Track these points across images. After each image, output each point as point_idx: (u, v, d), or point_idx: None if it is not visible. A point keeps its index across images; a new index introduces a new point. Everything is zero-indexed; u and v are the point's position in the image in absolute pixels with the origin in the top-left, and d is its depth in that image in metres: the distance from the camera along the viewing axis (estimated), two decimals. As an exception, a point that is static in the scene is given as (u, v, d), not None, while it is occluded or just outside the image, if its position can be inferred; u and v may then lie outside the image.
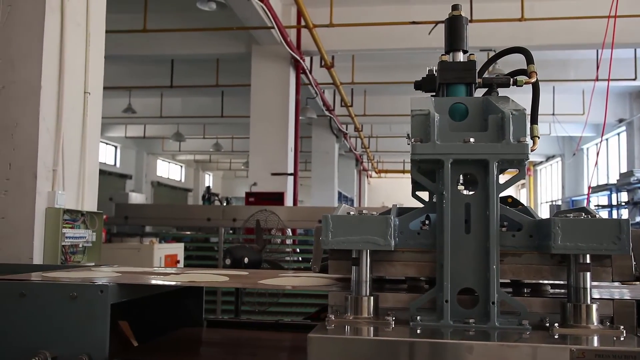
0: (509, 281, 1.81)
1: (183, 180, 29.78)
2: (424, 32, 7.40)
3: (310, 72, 11.09)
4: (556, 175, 23.92)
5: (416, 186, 1.84)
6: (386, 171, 28.81)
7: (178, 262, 5.73)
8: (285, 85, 10.11)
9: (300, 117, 10.80)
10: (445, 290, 1.52)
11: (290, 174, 10.04)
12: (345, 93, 13.28)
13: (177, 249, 5.88)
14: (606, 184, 15.66)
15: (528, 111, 1.65)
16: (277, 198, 9.38)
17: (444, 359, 1.36)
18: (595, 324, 1.48)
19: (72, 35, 3.55)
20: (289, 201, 9.84)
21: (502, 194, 1.58)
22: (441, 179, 1.57)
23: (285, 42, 9.16)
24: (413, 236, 1.65)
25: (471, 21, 7.46)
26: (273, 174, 9.85)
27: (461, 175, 1.65)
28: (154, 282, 2.10)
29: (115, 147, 22.47)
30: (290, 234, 7.26)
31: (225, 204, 13.46)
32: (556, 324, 1.47)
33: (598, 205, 15.60)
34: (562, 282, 1.66)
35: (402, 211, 1.75)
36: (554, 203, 22.55)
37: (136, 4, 9.27)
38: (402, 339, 1.40)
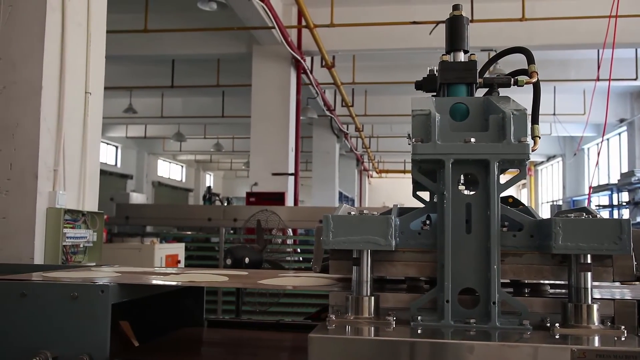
0: (509, 281, 1.81)
1: (184, 180, 29.79)
2: (424, 32, 7.41)
3: (311, 72, 11.09)
4: (557, 175, 23.91)
5: (417, 186, 1.84)
6: (387, 171, 28.81)
7: (179, 262, 5.73)
8: (286, 85, 10.11)
9: (301, 117, 10.81)
10: (446, 290, 1.52)
11: (291, 174, 10.04)
12: (346, 93, 13.28)
13: (178, 249, 5.88)
14: (607, 184, 15.65)
15: (529, 111, 1.65)
16: (278, 198, 9.38)
17: (445, 359, 1.36)
18: (596, 324, 1.48)
19: (73, 35, 3.56)
20: (289, 201, 9.84)
21: (503, 194, 1.58)
22: (442, 179, 1.57)
23: (286, 42, 9.17)
24: (414, 236, 1.65)
25: (472, 21, 7.46)
26: (274, 174, 9.85)
27: (462, 175, 1.65)
28: (154, 282, 2.10)
29: (116, 147, 22.49)
30: (291, 234, 7.26)
31: (226, 204, 13.47)
32: (557, 324, 1.47)
33: (599, 205, 15.60)
34: (562, 282, 1.66)
35: (403, 211, 1.75)
36: (554, 203, 22.54)
37: (137, 4, 9.28)
38: (403, 339, 1.40)
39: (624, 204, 14.40)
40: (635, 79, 11.80)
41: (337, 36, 9.81)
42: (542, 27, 9.34)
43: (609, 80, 5.95)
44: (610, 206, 14.95)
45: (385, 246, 1.55)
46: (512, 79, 1.86)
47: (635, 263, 1.58)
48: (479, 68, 1.83)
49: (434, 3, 9.07)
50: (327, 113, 14.76)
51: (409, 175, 1.71)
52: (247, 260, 3.66)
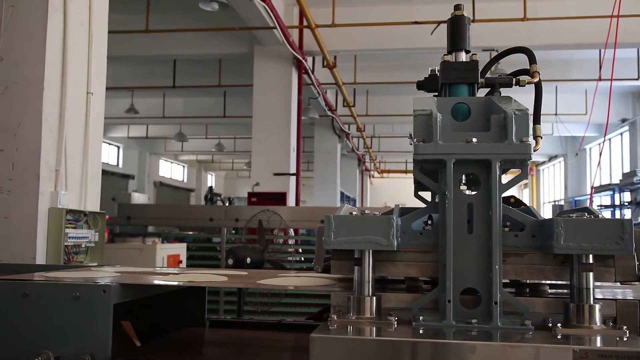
0: (508, 281, 1.81)
1: (185, 180, 29.80)
2: (426, 32, 7.40)
3: (313, 72, 11.08)
4: (559, 175, 23.88)
5: (419, 186, 1.84)
6: (388, 171, 28.80)
7: (180, 262, 5.74)
8: (287, 85, 10.12)
9: (302, 117, 10.80)
10: (447, 290, 1.52)
11: (293, 174, 10.05)
12: (348, 93, 13.28)
13: (180, 249, 5.88)
14: (609, 184, 15.64)
15: (530, 111, 1.64)
16: (279, 198, 9.38)
17: (447, 359, 1.36)
18: (598, 324, 1.48)
19: (75, 36, 3.56)
20: (291, 201, 9.84)
21: (504, 194, 1.58)
22: (444, 179, 1.57)
23: (287, 43, 9.17)
24: (415, 236, 1.64)
25: (474, 21, 7.44)
26: (275, 174, 9.85)
27: (464, 175, 1.65)
28: (156, 282, 2.10)
29: (118, 147, 22.50)
30: (293, 234, 7.26)
31: (227, 204, 13.47)
32: (559, 324, 1.47)
33: (601, 205, 15.58)
34: (564, 282, 1.66)
35: (404, 211, 1.75)
36: (556, 203, 22.52)
37: (139, 4, 9.29)
38: (405, 339, 1.40)
39: (626, 204, 14.38)
40: (637, 79, 11.78)
41: (339, 36, 9.81)
42: (544, 27, 9.33)
43: (611, 80, 5.94)
44: (612, 206, 14.93)
45: (387, 246, 1.55)
46: (514, 79, 1.86)
47: (637, 263, 1.58)
48: (480, 68, 1.83)
49: (435, 3, 9.07)
50: (329, 113, 14.75)
51: (411, 175, 1.71)
52: (248, 260, 3.66)
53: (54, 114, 3.39)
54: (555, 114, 14.38)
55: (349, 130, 17.91)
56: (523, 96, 1.64)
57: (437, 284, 1.58)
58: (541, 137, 1.82)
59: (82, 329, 1.74)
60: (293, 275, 2.34)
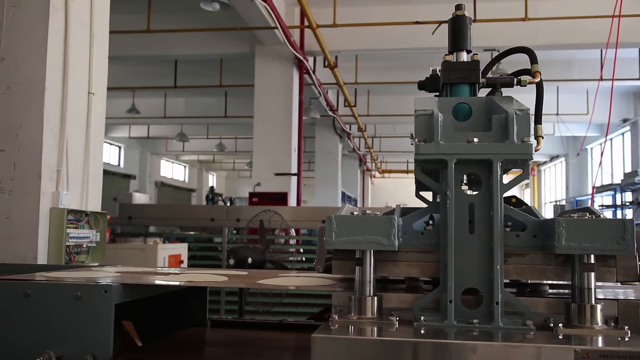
0: (508, 281, 1.81)
1: (187, 180, 29.82)
2: (427, 32, 7.41)
3: (314, 72, 11.08)
4: (560, 175, 23.87)
5: (420, 186, 1.84)
6: (390, 171, 28.79)
7: (182, 262, 5.74)
8: (288, 85, 10.12)
9: (303, 117, 10.80)
10: (449, 290, 1.52)
11: (294, 174, 10.05)
12: (349, 93, 13.28)
13: (181, 249, 5.88)
14: (610, 184, 15.62)
15: (532, 111, 1.64)
16: (280, 198, 9.38)
17: (448, 359, 1.36)
18: (600, 324, 1.47)
19: (76, 36, 3.56)
20: (292, 201, 9.84)
21: (506, 194, 1.58)
22: (445, 179, 1.57)
23: (288, 43, 9.16)
24: (417, 236, 1.64)
25: (475, 21, 7.45)
26: (277, 174, 9.85)
27: (465, 175, 1.65)
28: (157, 282, 2.10)
29: (119, 148, 22.52)
30: (294, 234, 7.26)
31: (228, 204, 13.46)
32: (560, 325, 1.47)
33: (602, 206, 15.57)
34: (566, 283, 1.65)
35: (405, 211, 1.75)
36: (558, 203, 22.51)
37: (140, 5, 9.29)
38: (406, 339, 1.40)
39: (628, 204, 14.37)
40: (638, 79, 11.77)
41: (340, 36, 9.81)
42: (545, 27, 9.32)
43: (612, 80, 5.94)
44: (614, 206, 14.92)
45: (388, 246, 1.55)
46: (515, 79, 1.86)
47: (639, 263, 1.58)
48: (481, 68, 1.82)
49: (436, 3, 9.07)
50: (330, 113, 14.75)
51: (412, 175, 1.71)
52: (250, 260, 3.66)
53: (56, 114, 3.39)
54: (557, 114, 14.37)
55: (350, 130, 17.91)
56: (524, 96, 1.64)
57: (438, 284, 1.58)
58: (542, 137, 1.82)
59: (84, 329, 1.75)
60: (293, 275, 2.34)
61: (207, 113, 16.80)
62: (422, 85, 1.96)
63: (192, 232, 8.45)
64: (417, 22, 8.79)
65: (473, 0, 8.38)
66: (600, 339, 1.43)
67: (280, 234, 5.46)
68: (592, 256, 1.49)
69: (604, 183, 16.41)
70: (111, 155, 21.79)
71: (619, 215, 14.54)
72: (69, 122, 3.45)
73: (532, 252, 1.59)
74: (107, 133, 17.21)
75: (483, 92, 1.84)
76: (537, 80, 1.86)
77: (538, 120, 1.84)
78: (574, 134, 17.98)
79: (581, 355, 1.30)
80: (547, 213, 19.33)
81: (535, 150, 1.60)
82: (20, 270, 2.35)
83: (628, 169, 16.06)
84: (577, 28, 9.28)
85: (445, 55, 1.84)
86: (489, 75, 1.89)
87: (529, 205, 1.97)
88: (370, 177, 30.26)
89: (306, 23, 9.10)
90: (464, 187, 1.66)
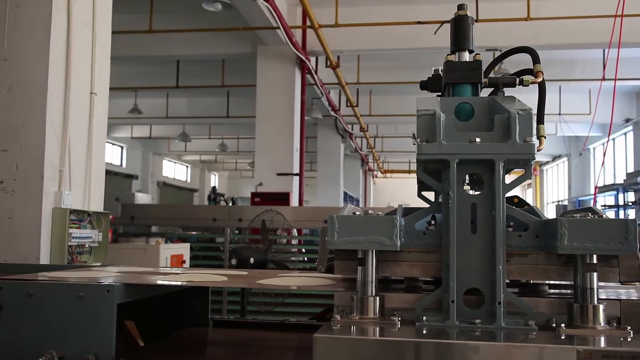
0: (508, 281, 1.81)
1: (189, 180, 29.84)
2: (429, 31, 7.37)
3: (316, 72, 11.09)
4: (562, 175, 23.85)
5: (422, 186, 1.84)
6: (392, 171, 28.78)
7: (184, 262, 5.75)
8: (290, 85, 10.12)
9: (305, 117, 10.80)
10: (451, 290, 1.52)
11: (296, 174, 10.05)
12: (351, 93, 13.28)
13: (183, 249, 5.89)
14: (613, 184, 15.60)
15: (534, 111, 1.64)
16: (282, 198, 9.38)
17: (450, 359, 1.36)
18: (602, 324, 1.47)
19: (78, 36, 3.57)
20: (294, 201, 9.84)
21: (508, 194, 1.58)
22: (447, 179, 1.57)
23: (290, 43, 9.17)
24: (419, 236, 1.64)
25: (477, 21, 7.44)
26: (279, 174, 9.85)
27: (467, 175, 1.65)
28: (159, 282, 2.10)
29: (122, 148, 22.55)
30: (296, 234, 7.26)
31: (231, 204, 13.46)
32: (563, 325, 1.46)
33: (605, 206, 15.54)
34: (568, 283, 1.65)
35: (408, 211, 1.75)
36: (560, 203, 22.48)
37: (142, 5, 9.30)
38: (408, 340, 1.40)
39: (630, 204, 14.34)
40: (641, 79, 11.76)
41: (342, 36, 9.81)
42: (548, 27, 9.31)
43: (615, 79, 5.91)
44: (616, 206, 14.89)
45: (391, 246, 1.55)
46: (518, 79, 1.86)
47: (641, 263, 1.58)
48: (484, 68, 1.82)
49: (438, 3, 9.05)
50: (332, 113, 14.75)
51: (414, 175, 1.71)
52: (252, 260, 3.66)
53: (58, 114, 3.40)
54: (559, 114, 14.35)
55: (352, 130, 17.90)
56: (526, 96, 1.64)
57: (439, 284, 1.58)
58: (545, 137, 1.82)
59: (86, 329, 1.75)
60: (292, 275, 2.34)
61: (209, 113, 16.81)
62: (424, 85, 1.96)
63: (194, 232, 8.45)
64: (419, 22, 8.78)
65: (475, 0, 8.38)
66: (602, 339, 1.43)
67: (283, 234, 5.46)
68: (595, 256, 1.49)
69: (607, 183, 16.39)
70: (113, 155, 21.82)
71: (621, 216, 14.52)
72: (71, 122, 3.46)
73: (534, 252, 1.59)
74: (110, 133, 17.30)
75: (485, 92, 1.84)
76: (540, 80, 1.86)
77: (540, 120, 1.84)
78: (577, 133, 17.96)
79: (583, 356, 1.30)
80: (550, 213, 19.29)
81: (538, 150, 1.60)
82: (23, 270, 2.35)
83: (630, 169, 16.03)
84: (579, 28, 9.27)
85: (448, 55, 1.84)
86: (491, 75, 1.89)
87: (531, 205, 1.96)
88: (372, 177, 30.25)
89: (308, 23, 9.10)
90: (466, 187, 1.66)
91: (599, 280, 1.51)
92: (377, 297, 1.58)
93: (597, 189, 11.87)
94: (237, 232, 7.16)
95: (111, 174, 19.55)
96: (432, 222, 1.67)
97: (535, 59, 1.89)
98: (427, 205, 1.76)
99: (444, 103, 1.71)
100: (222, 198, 14.71)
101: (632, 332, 1.44)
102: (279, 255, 4.55)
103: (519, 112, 1.54)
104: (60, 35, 3.44)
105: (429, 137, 1.57)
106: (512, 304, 1.53)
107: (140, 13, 9.41)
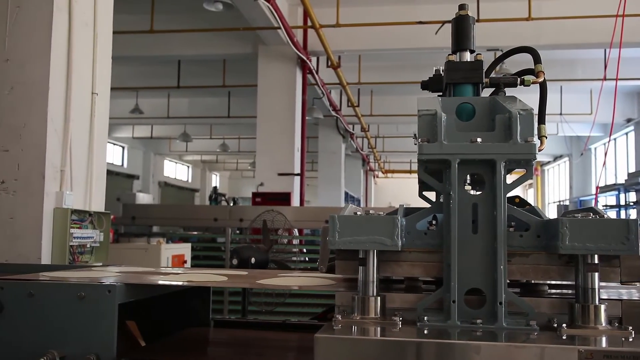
0: (509, 281, 1.81)
1: (190, 180, 29.85)
2: (430, 32, 7.37)
3: (317, 72, 11.09)
4: (564, 175, 23.83)
5: (423, 186, 1.83)
6: (393, 171, 28.78)
7: (185, 262, 5.75)
8: (291, 85, 10.12)
9: (306, 117, 10.81)
10: (452, 290, 1.52)
11: (297, 174, 10.05)
12: (352, 93, 13.28)
13: (184, 249, 5.89)
14: (614, 184, 15.58)
15: (535, 111, 1.64)
16: (283, 198, 9.38)
17: (451, 360, 1.36)
18: (604, 324, 1.47)
19: (80, 36, 3.57)
20: (295, 201, 9.84)
21: (509, 194, 1.58)
22: (448, 179, 1.57)
23: (291, 43, 9.17)
24: (420, 236, 1.64)
25: (478, 21, 7.43)
26: (280, 174, 9.85)
27: (468, 176, 1.65)
28: (161, 282, 2.10)
29: (123, 148, 22.57)
30: (297, 234, 7.26)
31: (232, 204, 13.47)
32: (564, 325, 1.46)
33: (606, 206, 15.52)
34: (568, 283, 1.65)
35: (409, 211, 1.75)
36: (561, 203, 22.46)
37: (143, 5, 9.31)
38: (409, 340, 1.40)
39: (632, 204, 14.33)
40: (642, 79, 11.74)
41: (343, 36, 9.81)
42: (549, 27, 9.31)
43: (616, 79, 5.91)
44: (618, 206, 14.88)
45: (392, 246, 1.55)
46: (519, 79, 1.86)
47: (643, 263, 1.58)
48: (485, 68, 1.82)
49: (439, 3, 9.06)
50: (333, 113, 14.75)
51: (415, 175, 1.71)
52: (253, 260, 3.66)
53: (59, 115, 3.40)
54: (560, 114, 14.35)
55: (353, 130, 17.91)
56: (528, 96, 1.64)
57: (440, 284, 1.58)
58: (546, 137, 1.82)
59: (87, 329, 1.75)
60: (292, 275, 2.34)
61: (210, 113, 16.83)
62: (426, 85, 1.96)
63: (196, 232, 8.45)
64: (420, 22, 8.78)
65: (476, 0, 8.38)
66: (604, 339, 1.43)
67: (284, 234, 5.46)
68: (596, 256, 1.49)
69: (608, 183, 16.37)
70: (115, 155, 21.84)
71: (622, 216, 14.51)
72: (72, 122, 3.46)
73: (535, 252, 1.59)
74: (111, 133, 17.31)
75: (486, 92, 1.84)
76: (541, 80, 1.86)
77: (541, 120, 1.84)
78: (578, 133, 17.94)
79: (585, 356, 1.30)
80: (551, 213, 19.28)
81: (539, 150, 1.60)
82: (24, 270, 2.36)
83: (632, 169, 16.03)
84: (580, 28, 9.26)
85: (449, 55, 1.84)
86: (493, 75, 1.89)
87: (533, 205, 1.96)
88: (374, 177, 30.25)
89: (309, 23, 9.10)
90: (467, 187, 1.66)
91: (601, 280, 1.51)
92: (378, 297, 1.58)
93: (598, 189, 11.86)
94: (238, 232, 7.16)
95: (112, 174, 19.56)
96: (433, 222, 1.67)
97: (537, 59, 1.88)
98: (428, 206, 1.75)
99: (445, 103, 1.71)
100: (223, 198, 14.72)
101: (633, 332, 1.43)
102: (280, 256, 4.55)
103: (520, 112, 1.54)
104: (62, 36, 3.44)
105: (430, 137, 1.57)
106: (513, 304, 1.52)
107: (142, 13, 9.41)
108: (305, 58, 9.93)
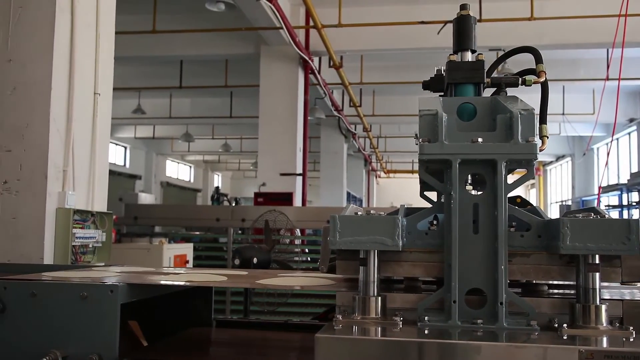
0: (509, 281, 1.81)
1: (192, 180, 29.88)
2: (432, 31, 7.38)
3: (319, 72, 11.09)
4: (566, 175, 23.80)
5: (424, 186, 1.84)
6: (395, 171, 28.77)
7: (187, 262, 5.75)
8: (293, 85, 10.12)
9: (309, 118, 10.81)
10: (453, 290, 1.52)
11: (299, 174, 10.05)
12: (354, 93, 13.28)
13: (187, 249, 5.90)
14: (617, 184, 15.56)
15: (537, 111, 1.64)
16: (285, 198, 9.38)
17: (452, 360, 1.36)
18: (605, 324, 1.47)
19: (82, 37, 3.58)
20: (297, 201, 9.84)
21: (510, 194, 1.58)
22: (449, 179, 1.57)
23: (293, 43, 9.17)
24: (421, 236, 1.64)
25: (480, 20, 7.43)
26: (282, 174, 9.86)
27: (469, 175, 1.65)
28: (163, 282, 2.10)
29: (125, 148, 22.60)
30: (299, 234, 7.27)
31: (234, 204, 13.48)
32: (565, 325, 1.46)
33: (608, 206, 15.51)
34: (569, 283, 1.65)
35: (410, 211, 1.75)
36: (564, 203, 22.44)
37: (145, 5, 9.32)
38: (410, 340, 1.40)
39: (634, 204, 14.30)
40: (644, 78, 11.72)
41: (345, 36, 9.81)
42: (551, 27, 9.30)
43: (619, 79, 5.91)
44: (620, 206, 14.86)
45: (393, 246, 1.55)
46: (520, 79, 1.86)
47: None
48: (486, 68, 1.82)
49: (441, 3, 9.06)
50: (335, 113, 14.76)
51: (417, 175, 1.71)
52: (255, 260, 3.67)
53: (62, 115, 3.40)
54: (563, 114, 14.33)
55: (355, 130, 17.91)
56: (530, 96, 1.64)
57: (441, 285, 1.58)
58: (547, 137, 1.82)
59: (90, 329, 1.75)
60: (294, 275, 2.34)
61: (213, 113, 16.85)
62: (427, 85, 1.96)
63: (198, 232, 8.47)
64: (422, 22, 8.77)
65: (478, 0, 8.37)
66: (605, 339, 1.43)
67: (286, 234, 5.47)
68: (597, 256, 1.49)
69: (610, 183, 16.35)
70: (117, 155, 21.87)
71: (625, 216, 14.49)
72: (75, 122, 3.46)
73: (536, 252, 1.59)
74: (113, 133, 17.34)
75: (488, 92, 1.84)
76: (542, 79, 1.86)
77: (543, 120, 1.84)
78: (580, 133, 17.93)
79: (585, 356, 1.30)
80: (554, 213, 19.29)
81: (540, 150, 1.60)
82: (27, 270, 2.36)
83: (634, 169, 16.00)
84: (583, 27, 9.25)
85: (450, 55, 1.84)
86: (494, 75, 1.89)
87: (534, 205, 1.96)
88: (376, 177, 30.24)
89: (311, 23, 9.11)
90: (469, 187, 1.66)
91: (602, 280, 1.51)
92: (379, 297, 1.58)
93: (601, 189, 11.85)
94: (240, 232, 7.17)
95: (114, 174, 19.60)
96: (435, 222, 1.67)
97: (538, 59, 1.88)
98: (430, 206, 1.76)
99: (446, 103, 1.71)
100: (225, 198, 14.73)
101: (634, 332, 1.43)
102: (282, 255, 4.56)
103: (521, 112, 1.54)
104: (64, 36, 3.45)
105: (431, 137, 1.57)
106: (514, 304, 1.52)
107: (144, 13, 9.42)
108: (307, 58, 9.94)
